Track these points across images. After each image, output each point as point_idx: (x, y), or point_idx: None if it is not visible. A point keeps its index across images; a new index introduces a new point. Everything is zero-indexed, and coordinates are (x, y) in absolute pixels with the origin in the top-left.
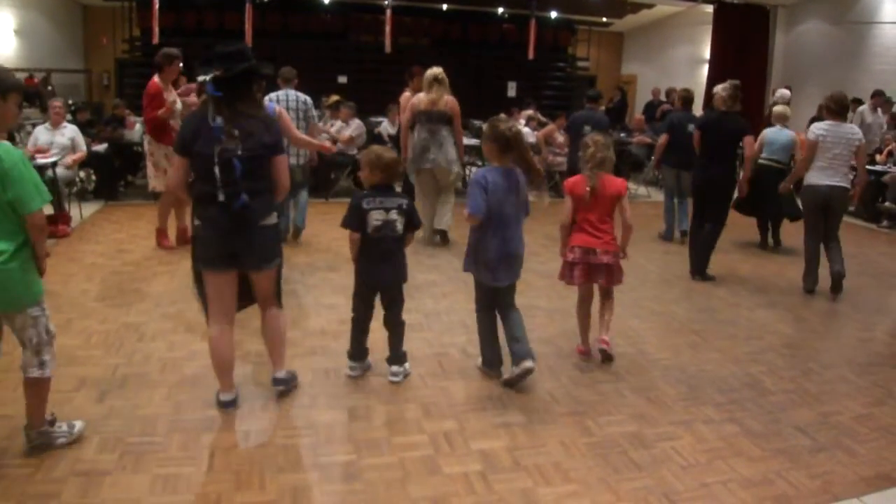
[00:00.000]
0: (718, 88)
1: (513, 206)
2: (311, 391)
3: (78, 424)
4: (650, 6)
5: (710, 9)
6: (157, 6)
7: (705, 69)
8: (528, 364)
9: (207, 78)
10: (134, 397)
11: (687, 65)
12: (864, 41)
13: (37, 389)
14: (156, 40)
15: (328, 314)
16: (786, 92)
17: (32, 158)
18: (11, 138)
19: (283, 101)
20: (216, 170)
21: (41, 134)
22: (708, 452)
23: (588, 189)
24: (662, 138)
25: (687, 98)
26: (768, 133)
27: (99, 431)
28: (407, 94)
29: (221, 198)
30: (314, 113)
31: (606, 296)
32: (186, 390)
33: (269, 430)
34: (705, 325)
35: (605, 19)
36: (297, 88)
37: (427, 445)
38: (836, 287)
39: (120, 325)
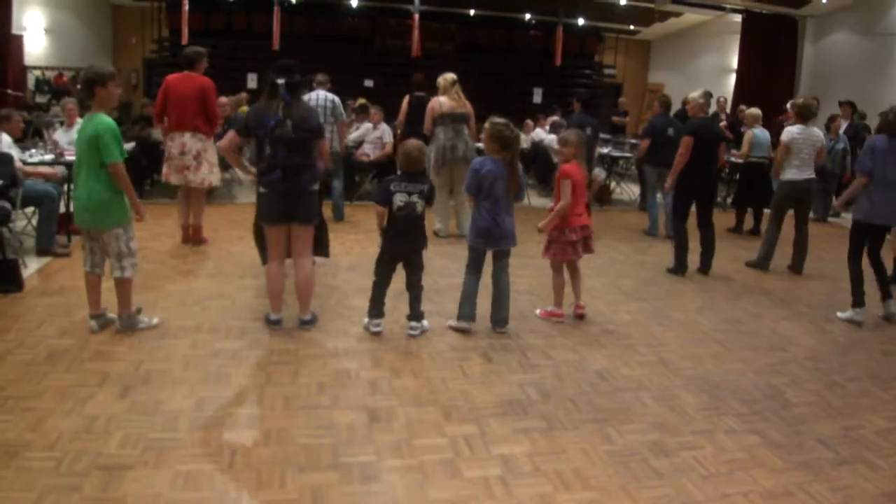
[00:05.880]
0: (696, 96)
1: (502, 189)
2: (332, 392)
3: (156, 320)
4: (678, 15)
5: (738, 18)
6: (186, 7)
7: (733, 78)
8: (501, 330)
9: (281, 82)
10: (157, 393)
11: (714, 74)
12: (893, 53)
13: (121, 287)
14: (185, 41)
15: (351, 315)
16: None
17: (61, 155)
18: (39, 133)
19: (314, 99)
20: (277, 149)
21: (59, 136)
22: (729, 463)
23: (586, 175)
24: (645, 142)
25: (666, 103)
26: (757, 134)
27: (121, 427)
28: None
29: (280, 170)
30: (342, 111)
31: (577, 269)
32: (209, 387)
33: (291, 429)
34: (728, 335)
35: (632, 27)
36: (329, 90)
37: (447, 449)
38: (800, 267)
39: None
